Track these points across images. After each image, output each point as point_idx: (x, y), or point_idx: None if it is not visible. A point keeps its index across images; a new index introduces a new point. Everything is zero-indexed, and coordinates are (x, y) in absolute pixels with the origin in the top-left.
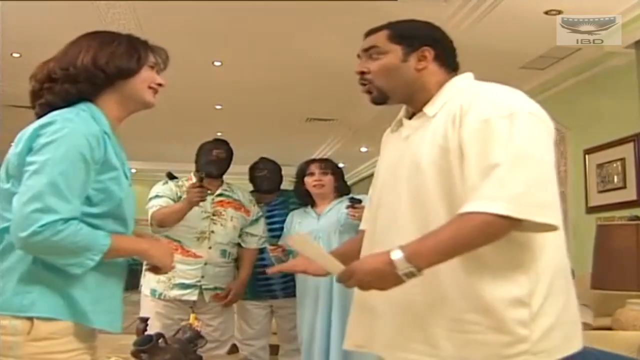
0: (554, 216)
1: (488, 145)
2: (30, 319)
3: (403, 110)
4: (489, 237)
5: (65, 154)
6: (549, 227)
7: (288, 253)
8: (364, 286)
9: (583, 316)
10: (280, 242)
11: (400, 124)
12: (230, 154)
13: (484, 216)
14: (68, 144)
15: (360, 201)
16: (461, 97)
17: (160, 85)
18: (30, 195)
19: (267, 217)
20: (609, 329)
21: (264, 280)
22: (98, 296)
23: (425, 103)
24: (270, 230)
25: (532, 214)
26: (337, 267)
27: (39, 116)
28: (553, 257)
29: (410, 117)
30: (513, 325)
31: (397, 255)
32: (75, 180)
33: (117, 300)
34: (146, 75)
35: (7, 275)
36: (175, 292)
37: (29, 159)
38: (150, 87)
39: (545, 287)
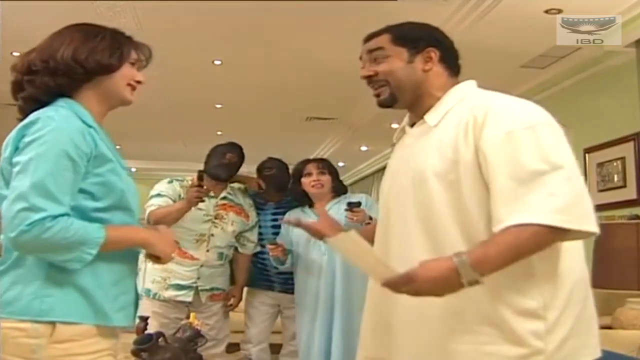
0: (595, 224)
1: (519, 154)
2: (52, 322)
3: (406, 118)
4: (540, 247)
5: (48, 152)
6: (589, 235)
7: (287, 252)
8: (421, 293)
9: None
10: (278, 241)
11: (403, 132)
12: (241, 158)
13: (535, 227)
14: (50, 142)
15: (359, 204)
16: (468, 107)
17: (139, 82)
18: (14, 195)
19: (273, 214)
20: (609, 327)
21: (262, 271)
22: (114, 294)
23: (427, 110)
24: (274, 227)
25: (581, 224)
26: (389, 271)
27: (23, 111)
28: (574, 267)
29: (412, 125)
30: (528, 337)
31: (461, 262)
32: (60, 178)
33: (130, 296)
34: (126, 72)
35: (24, 280)
36: (171, 293)
37: (15, 159)
38: (129, 84)
39: (564, 299)
